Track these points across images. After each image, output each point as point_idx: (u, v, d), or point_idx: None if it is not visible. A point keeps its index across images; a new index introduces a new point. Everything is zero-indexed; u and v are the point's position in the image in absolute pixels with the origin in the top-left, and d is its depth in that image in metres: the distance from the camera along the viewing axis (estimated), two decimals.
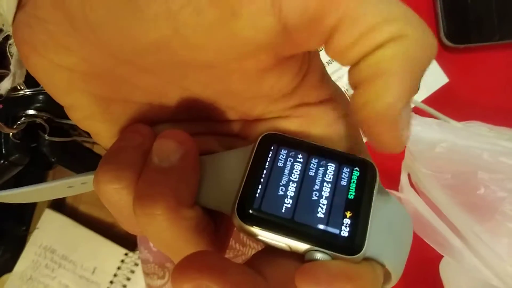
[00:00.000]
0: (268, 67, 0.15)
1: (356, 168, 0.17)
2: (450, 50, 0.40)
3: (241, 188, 0.16)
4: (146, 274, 0.47)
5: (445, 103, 0.40)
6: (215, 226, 0.17)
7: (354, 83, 0.14)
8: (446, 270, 0.36)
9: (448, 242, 0.32)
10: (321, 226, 0.15)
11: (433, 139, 0.32)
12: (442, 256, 0.36)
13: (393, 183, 0.36)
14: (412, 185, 0.35)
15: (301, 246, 0.15)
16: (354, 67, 0.14)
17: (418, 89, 0.14)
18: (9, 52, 0.20)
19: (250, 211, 0.15)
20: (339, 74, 0.39)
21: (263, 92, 0.17)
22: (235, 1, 0.13)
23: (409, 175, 0.35)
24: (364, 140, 0.19)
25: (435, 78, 0.40)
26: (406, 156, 0.35)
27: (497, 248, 0.30)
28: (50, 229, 0.58)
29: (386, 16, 0.13)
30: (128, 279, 0.57)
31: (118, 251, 0.57)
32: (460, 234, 0.32)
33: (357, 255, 0.15)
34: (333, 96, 0.18)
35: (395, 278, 0.17)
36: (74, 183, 0.26)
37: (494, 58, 0.41)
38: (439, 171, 0.32)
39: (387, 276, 0.17)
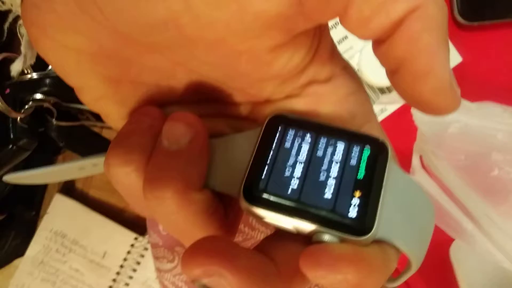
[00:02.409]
0: (279, 45, 0.15)
1: (367, 147, 0.16)
2: (464, 28, 0.39)
3: (248, 170, 0.16)
4: (156, 257, 0.48)
5: (458, 83, 0.39)
6: (224, 210, 0.17)
7: (391, 64, 0.14)
8: (456, 253, 0.36)
9: (460, 225, 0.32)
10: (328, 207, 0.15)
11: (445, 119, 0.31)
12: (453, 240, 0.36)
13: (405, 165, 0.35)
14: (424, 167, 0.34)
15: (306, 227, 0.15)
16: (383, 46, 0.14)
17: None
18: (19, 32, 0.20)
19: (256, 193, 0.15)
20: (350, 54, 0.38)
21: (273, 73, 0.16)
22: None
23: (421, 157, 0.35)
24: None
25: None
26: (418, 138, 0.34)
27: (510, 230, 0.30)
28: (61, 214, 0.59)
29: None
30: (138, 263, 0.57)
31: (128, 235, 0.57)
32: (472, 217, 0.31)
33: (366, 236, 0.14)
34: (343, 72, 0.18)
35: (415, 263, 0.16)
36: (85, 164, 0.26)
37: (508, 36, 0.40)
38: (452, 152, 0.31)
39: (408, 263, 0.16)
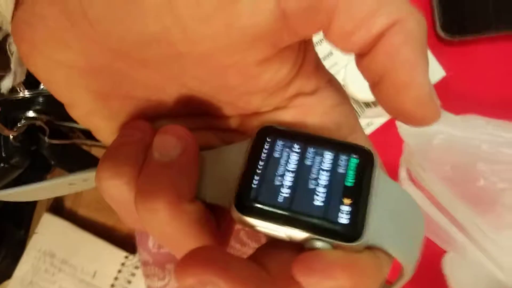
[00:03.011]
0: (265, 59, 0.15)
1: (354, 156, 0.16)
2: (446, 42, 0.40)
3: (239, 181, 0.16)
4: (147, 276, 0.47)
5: (442, 96, 0.39)
6: (216, 222, 0.17)
7: (373, 76, 0.15)
8: (449, 265, 0.36)
9: (450, 236, 0.32)
10: (318, 214, 0.15)
11: (430, 131, 0.32)
12: (445, 252, 0.36)
13: (392, 177, 0.35)
14: (411, 179, 0.35)
15: (299, 235, 0.15)
16: (364, 60, 0.15)
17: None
18: (9, 50, 0.20)
19: (247, 203, 0.16)
20: (335, 70, 0.39)
21: (261, 86, 0.17)
22: None
23: (408, 169, 0.35)
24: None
25: (432, 71, 0.40)
26: (404, 150, 0.35)
27: (499, 240, 0.30)
28: (49, 233, 0.58)
29: (381, 1, 0.13)
30: (129, 282, 0.56)
31: (119, 254, 0.57)
32: (461, 227, 0.32)
33: (357, 242, 0.15)
34: (328, 84, 0.18)
35: (408, 268, 0.16)
36: (76, 180, 0.26)
37: (490, 50, 0.41)
38: (437, 164, 0.32)
39: (401, 269, 0.16)
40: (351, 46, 0.14)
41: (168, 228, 0.15)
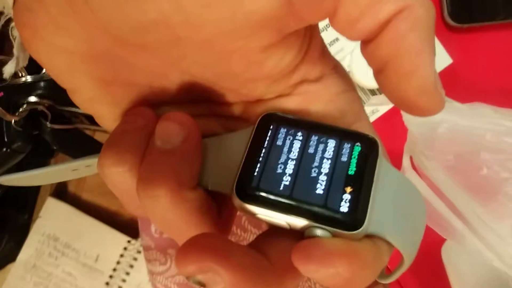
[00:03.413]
0: (270, 46, 0.15)
1: (357, 144, 0.16)
2: (454, 29, 0.40)
3: (240, 168, 0.16)
4: (148, 260, 0.48)
5: (448, 84, 0.39)
6: (218, 210, 0.17)
7: (377, 63, 0.15)
8: (448, 253, 0.36)
9: (451, 225, 0.32)
10: (319, 202, 0.15)
11: (435, 120, 0.32)
12: (444, 240, 0.36)
13: (395, 166, 0.35)
14: (414, 167, 0.35)
15: (299, 222, 0.15)
16: (369, 46, 0.14)
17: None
18: (11, 35, 0.20)
19: (249, 190, 0.16)
20: (341, 56, 0.39)
21: (265, 73, 0.16)
22: None
23: (411, 158, 0.35)
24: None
25: (439, 59, 0.39)
26: (408, 139, 0.34)
27: (499, 229, 0.30)
28: (53, 218, 0.59)
29: None
30: (131, 266, 0.57)
31: (121, 238, 0.57)
32: (462, 216, 0.32)
33: (358, 231, 0.15)
34: (333, 71, 0.18)
35: (407, 257, 0.16)
36: (78, 166, 0.26)
37: (498, 37, 0.40)
38: (441, 153, 0.32)
39: (401, 258, 0.16)
40: (357, 33, 0.14)
41: (169, 215, 0.15)
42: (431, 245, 0.35)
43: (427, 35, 0.14)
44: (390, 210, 0.16)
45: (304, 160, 0.16)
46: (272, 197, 0.15)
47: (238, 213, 0.18)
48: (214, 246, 0.13)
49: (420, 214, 0.17)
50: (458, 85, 0.40)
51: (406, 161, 0.35)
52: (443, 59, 0.39)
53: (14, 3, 0.16)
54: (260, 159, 0.16)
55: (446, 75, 0.40)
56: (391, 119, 0.39)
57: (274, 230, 0.16)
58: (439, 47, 0.40)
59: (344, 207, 0.15)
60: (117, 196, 0.18)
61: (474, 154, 0.30)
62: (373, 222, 0.15)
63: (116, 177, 0.16)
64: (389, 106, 0.39)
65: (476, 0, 0.39)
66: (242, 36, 0.14)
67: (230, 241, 0.14)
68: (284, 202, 0.15)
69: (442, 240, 0.35)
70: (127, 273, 0.58)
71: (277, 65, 0.16)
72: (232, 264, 0.13)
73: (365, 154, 0.16)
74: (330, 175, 0.16)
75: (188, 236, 0.14)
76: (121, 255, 0.58)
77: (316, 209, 0.15)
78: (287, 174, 0.16)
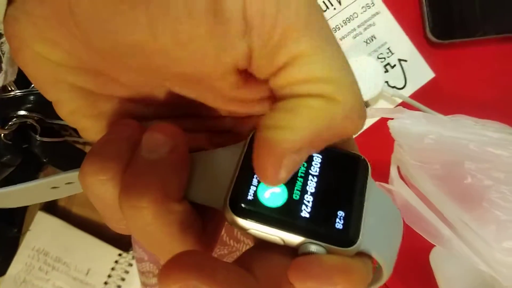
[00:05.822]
0: (240, 86, 0.16)
1: (349, 163, 0.17)
2: (435, 45, 0.41)
3: (234, 182, 0.16)
4: (141, 272, 0.47)
5: (431, 97, 0.41)
6: (203, 224, 0.17)
7: (274, 99, 0.15)
8: (436, 259, 0.37)
9: (438, 231, 0.33)
10: (315, 219, 0.15)
11: (421, 131, 0.33)
12: (432, 246, 0.37)
13: (383, 176, 0.36)
14: (401, 177, 0.36)
15: (295, 239, 0.15)
16: (279, 89, 0.15)
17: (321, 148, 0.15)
18: (0, 50, 0.20)
19: (243, 204, 0.15)
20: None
21: (248, 98, 0.17)
22: (215, 20, 0.13)
23: (398, 168, 0.36)
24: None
25: (421, 73, 0.41)
26: (395, 149, 0.36)
27: (485, 235, 0.31)
28: (43, 232, 0.58)
29: (329, 75, 0.14)
30: (123, 279, 0.57)
31: (112, 252, 0.57)
32: (449, 223, 0.33)
33: (352, 247, 0.15)
34: None
35: (387, 273, 0.17)
36: (57, 182, 0.24)
37: (478, 53, 0.42)
38: (427, 162, 0.33)
39: (378, 272, 0.17)
40: (274, 88, 0.15)
41: (151, 227, 0.15)
42: (420, 251, 0.36)
43: (322, 128, 0.14)
44: (377, 229, 0.16)
45: (299, 177, 0.16)
46: (267, 212, 0.15)
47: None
48: (198, 264, 0.13)
49: (398, 230, 0.18)
50: (440, 98, 0.41)
51: (393, 171, 0.36)
52: (425, 73, 0.41)
53: (4, 17, 0.16)
54: (254, 174, 0.16)
55: (429, 89, 0.41)
56: (377, 131, 0.40)
57: (261, 246, 0.16)
58: (422, 62, 0.41)
59: (339, 224, 0.15)
60: (98, 209, 0.17)
61: (458, 163, 0.31)
62: (364, 240, 0.15)
63: (97, 187, 0.16)
64: (375, 118, 0.41)
65: (457, 17, 0.41)
66: (214, 78, 0.15)
67: (215, 258, 0.13)
68: (280, 219, 0.15)
69: (430, 246, 0.36)
70: (119, 286, 0.57)
71: (253, 95, 0.16)
72: (216, 282, 0.12)
73: (356, 173, 0.17)
74: (324, 192, 0.16)
75: (171, 252, 0.13)
76: (112, 269, 0.57)
77: (312, 225, 0.15)
78: (283, 190, 0.16)
